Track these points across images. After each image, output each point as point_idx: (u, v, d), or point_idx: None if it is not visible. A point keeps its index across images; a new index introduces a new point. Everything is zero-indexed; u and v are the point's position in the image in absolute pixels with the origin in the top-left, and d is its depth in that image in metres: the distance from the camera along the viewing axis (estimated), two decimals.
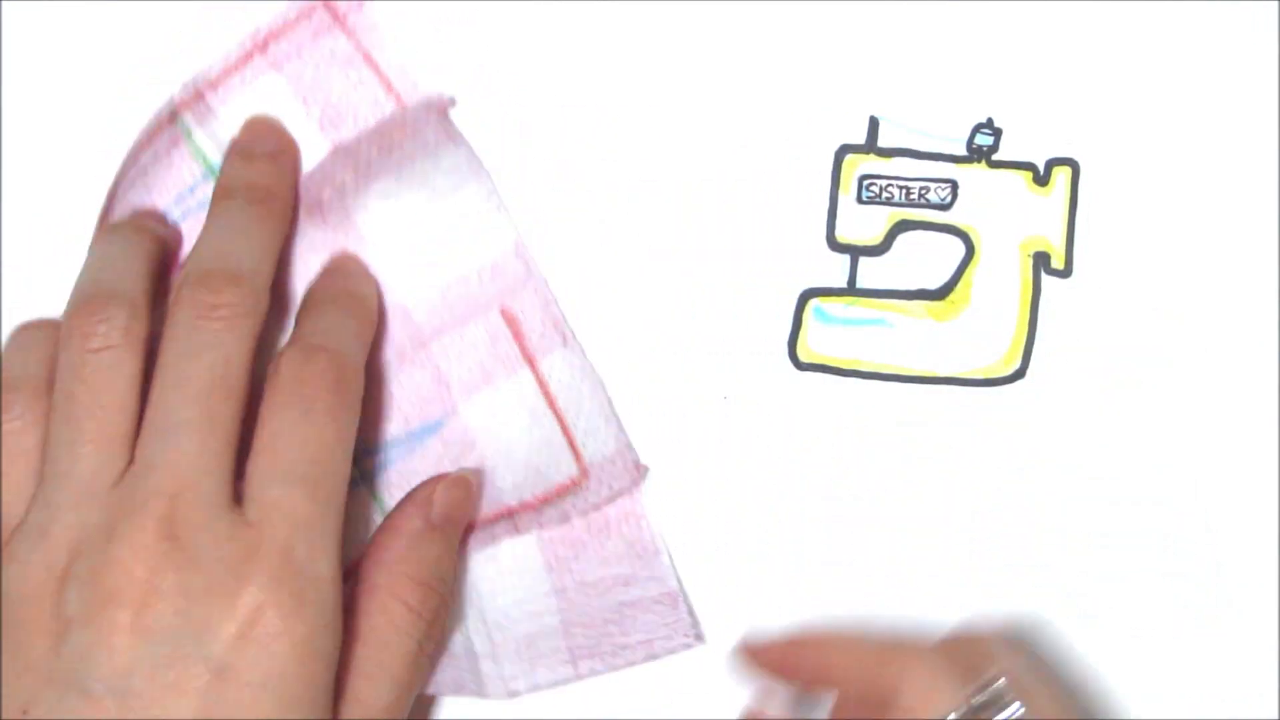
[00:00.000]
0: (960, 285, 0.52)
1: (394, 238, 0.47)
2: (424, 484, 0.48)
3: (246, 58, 0.48)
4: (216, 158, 0.48)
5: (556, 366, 0.48)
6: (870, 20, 0.51)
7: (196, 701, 0.40)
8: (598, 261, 0.51)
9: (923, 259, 0.52)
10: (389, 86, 0.48)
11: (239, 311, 0.43)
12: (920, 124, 0.52)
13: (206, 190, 0.48)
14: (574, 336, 0.48)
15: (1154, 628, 0.51)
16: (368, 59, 0.48)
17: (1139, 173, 0.52)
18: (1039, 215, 0.52)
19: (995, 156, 0.52)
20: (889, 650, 0.45)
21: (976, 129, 0.52)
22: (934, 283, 0.52)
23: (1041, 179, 0.52)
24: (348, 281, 0.48)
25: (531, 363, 0.48)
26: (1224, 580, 0.51)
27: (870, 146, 0.52)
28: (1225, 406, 0.52)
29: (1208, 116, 0.51)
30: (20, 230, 0.51)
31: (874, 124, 0.52)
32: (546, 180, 0.51)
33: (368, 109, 0.48)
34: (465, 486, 0.48)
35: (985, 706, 0.43)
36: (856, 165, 0.52)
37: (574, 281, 0.51)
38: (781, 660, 0.47)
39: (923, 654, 0.44)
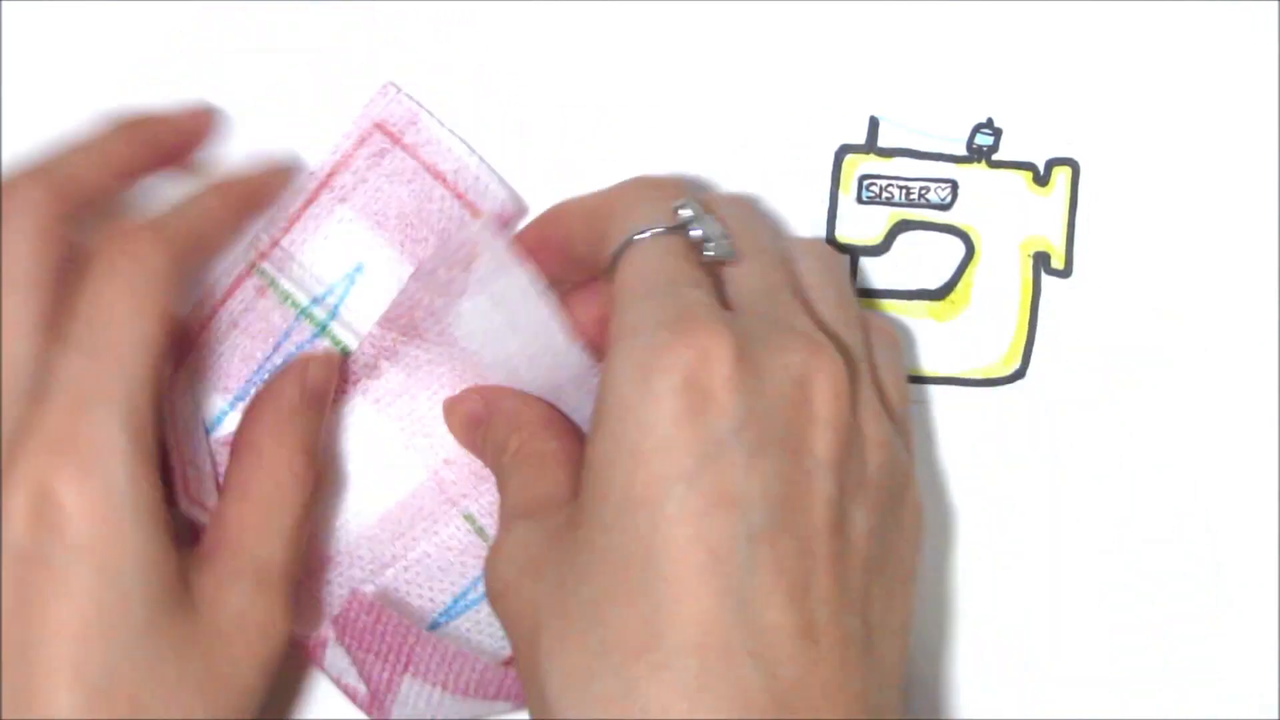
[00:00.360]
0: (960, 285, 0.52)
1: (492, 349, 0.47)
2: (296, 360, 0.47)
3: (312, 198, 0.48)
4: (305, 299, 0.49)
5: None
6: (870, 20, 0.51)
7: (13, 592, 0.39)
8: None
9: (923, 259, 0.52)
10: (458, 194, 0.48)
11: (30, 200, 0.42)
12: (920, 124, 0.52)
13: (301, 333, 0.49)
14: None
15: (1154, 628, 0.51)
16: (431, 171, 0.48)
17: (1139, 173, 0.52)
18: (1039, 215, 0.52)
19: (995, 156, 0.52)
20: (604, 194, 0.46)
21: (976, 129, 0.52)
22: (934, 283, 0.52)
23: (1041, 179, 0.52)
24: (241, 172, 0.48)
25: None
26: (1224, 580, 0.51)
27: (870, 146, 0.52)
28: (1225, 406, 0.52)
29: (1208, 116, 0.51)
30: None
31: (874, 124, 0.52)
32: (546, 180, 0.51)
33: (441, 220, 0.48)
34: (334, 365, 0.48)
35: (689, 222, 0.43)
36: (856, 165, 0.52)
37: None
38: (537, 240, 0.47)
39: (632, 184, 0.46)
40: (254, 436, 0.46)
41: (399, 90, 0.48)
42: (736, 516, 0.38)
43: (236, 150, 0.51)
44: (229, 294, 0.48)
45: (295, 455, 0.45)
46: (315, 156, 0.50)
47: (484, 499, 0.48)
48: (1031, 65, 0.51)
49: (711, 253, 0.43)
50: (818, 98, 0.51)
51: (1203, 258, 0.52)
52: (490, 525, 0.48)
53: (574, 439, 0.46)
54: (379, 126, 0.48)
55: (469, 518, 0.48)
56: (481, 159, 0.48)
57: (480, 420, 0.47)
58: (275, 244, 0.48)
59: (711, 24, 0.51)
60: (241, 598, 0.43)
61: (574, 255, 0.46)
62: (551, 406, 0.47)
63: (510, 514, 0.44)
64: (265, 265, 0.48)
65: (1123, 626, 0.51)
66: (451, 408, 0.48)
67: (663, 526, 0.38)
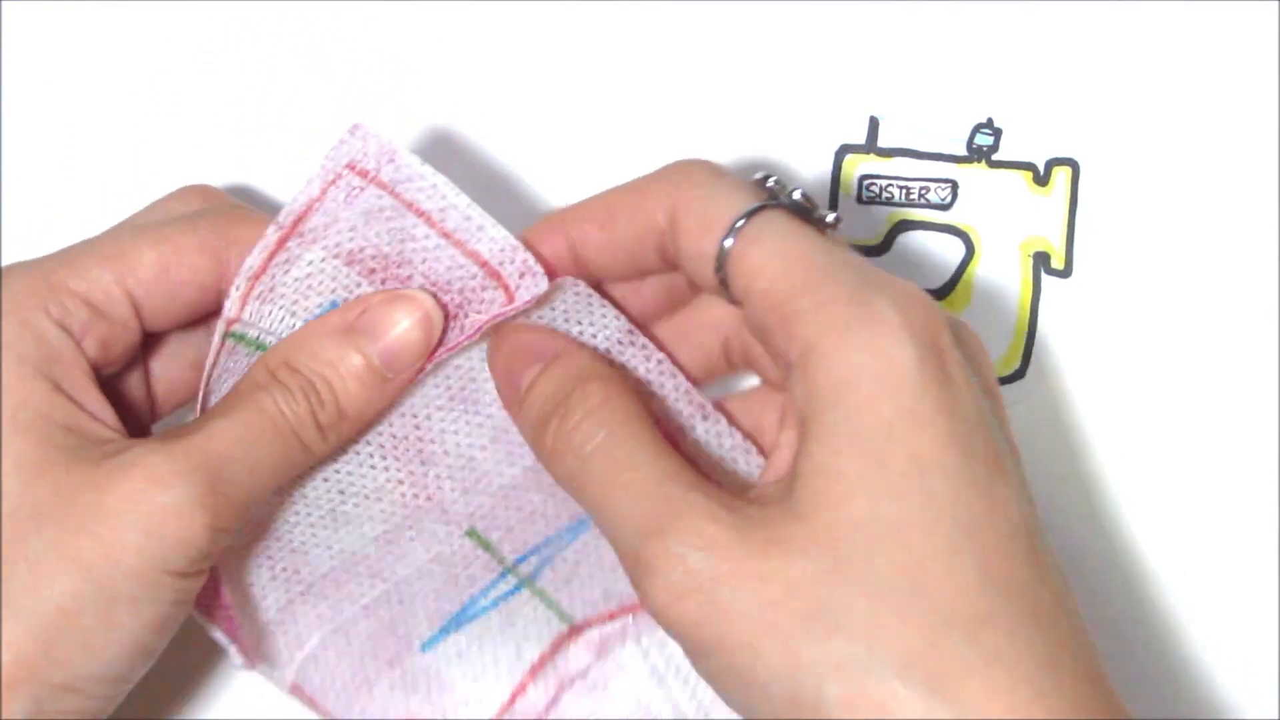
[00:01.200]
0: (960, 285, 0.52)
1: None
2: (372, 295, 0.44)
3: (277, 247, 0.44)
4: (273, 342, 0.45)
5: (707, 440, 0.44)
6: (870, 20, 0.51)
7: None
8: None
9: (923, 259, 0.52)
10: (445, 233, 0.43)
11: None
12: (920, 124, 0.52)
13: None
14: (712, 408, 0.44)
15: (1154, 627, 0.51)
16: (413, 209, 0.43)
17: (1139, 173, 0.52)
18: (1039, 215, 0.52)
19: (995, 156, 0.52)
20: (651, 184, 0.42)
21: (976, 129, 0.52)
22: (934, 283, 0.52)
23: (1041, 179, 0.52)
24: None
25: (674, 442, 0.43)
26: (1224, 580, 0.51)
27: (870, 146, 0.52)
28: (1225, 406, 0.52)
29: (1208, 116, 0.51)
30: (20, 230, 0.51)
31: (874, 124, 0.52)
32: (546, 181, 0.51)
33: (427, 259, 0.43)
34: (405, 304, 0.43)
35: (776, 193, 0.41)
36: (856, 165, 0.52)
37: None
38: (568, 238, 0.43)
39: (679, 169, 0.42)
40: (287, 359, 0.42)
41: (368, 130, 0.43)
42: (1009, 482, 0.38)
43: (236, 151, 0.51)
44: (211, 369, 0.45)
45: (281, 368, 0.42)
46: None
47: (488, 511, 0.46)
48: (1031, 65, 0.51)
49: (830, 221, 0.41)
50: (818, 98, 0.51)
51: (1203, 258, 0.52)
52: (500, 538, 0.46)
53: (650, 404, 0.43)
54: (350, 167, 0.43)
55: (472, 533, 0.46)
56: (470, 200, 0.43)
57: (544, 355, 0.42)
58: (244, 303, 0.44)
59: (712, 24, 0.51)
60: (172, 492, 0.40)
61: (622, 251, 0.43)
62: (618, 365, 0.43)
63: (668, 484, 0.39)
64: (236, 328, 0.44)
65: (1122, 626, 0.51)
66: (506, 335, 0.43)
67: (964, 493, 0.37)
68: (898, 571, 0.36)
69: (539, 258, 0.43)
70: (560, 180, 0.51)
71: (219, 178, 0.51)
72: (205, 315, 0.45)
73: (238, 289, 0.44)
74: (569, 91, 0.51)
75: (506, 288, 0.43)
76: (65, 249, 0.43)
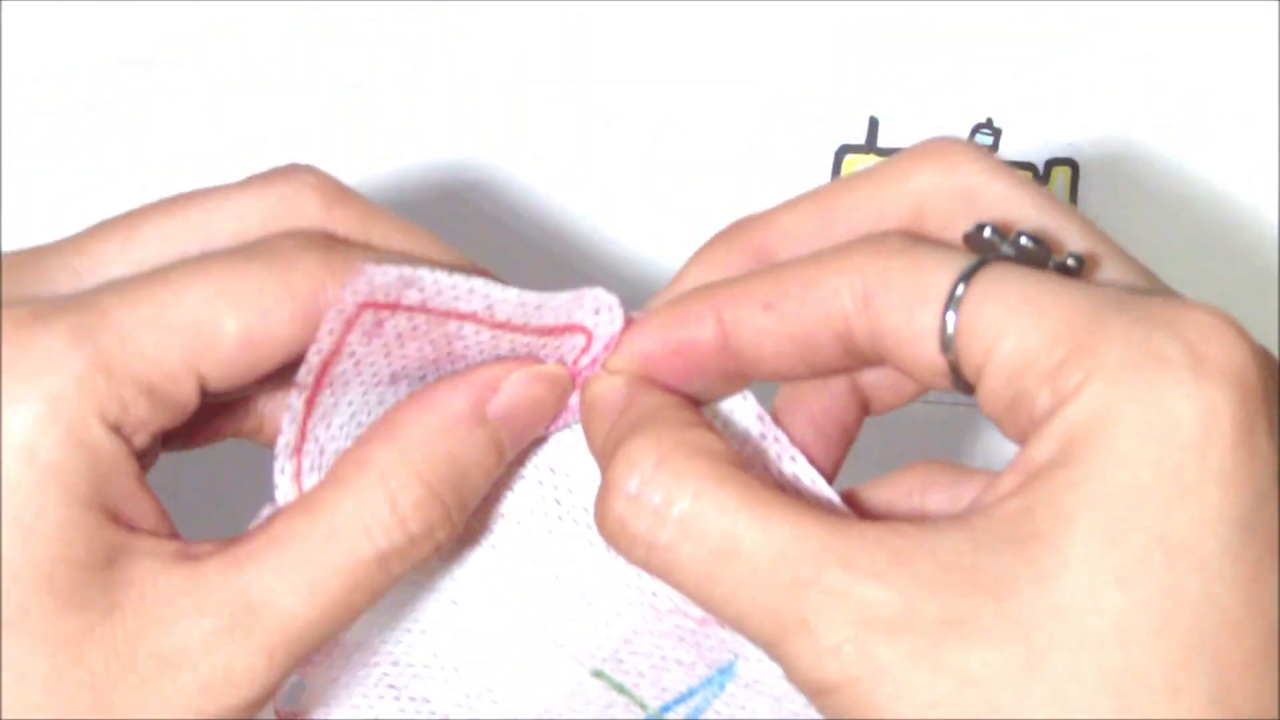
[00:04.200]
0: None
1: None
2: (495, 365, 0.37)
3: (310, 407, 0.37)
4: None
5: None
6: (870, 20, 0.51)
7: None
8: (598, 263, 0.51)
9: None
10: (497, 324, 0.37)
11: None
12: (920, 124, 0.52)
13: None
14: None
15: None
16: (453, 315, 0.37)
17: (1138, 173, 0.52)
18: None
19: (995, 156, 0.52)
20: (827, 267, 0.33)
21: (976, 129, 0.52)
22: None
23: (1041, 179, 0.52)
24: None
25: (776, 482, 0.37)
26: None
27: (870, 146, 0.52)
28: None
29: (1207, 117, 0.51)
30: (20, 230, 0.51)
31: (874, 124, 0.52)
32: (545, 182, 0.51)
33: (480, 350, 0.38)
34: (549, 383, 0.36)
35: (995, 243, 0.33)
36: (856, 165, 0.52)
37: (575, 284, 0.50)
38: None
39: (875, 247, 0.33)
40: (374, 438, 0.35)
41: (373, 269, 0.36)
42: (1276, 575, 0.30)
43: (237, 151, 0.51)
44: None
45: (410, 483, 0.35)
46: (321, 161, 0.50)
47: (610, 654, 0.40)
48: (1031, 65, 0.51)
49: (1074, 266, 0.33)
50: (818, 98, 0.51)
51: (1202, 258, 0.52)
52: (635, 683, 0.40)
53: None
54: (365, 306, 0.36)
55: (600, 675, 0.40)
56: (520, 290, 0.36)
57: (614, 409, 0.35)
58: (297, 483, 0.38)
59: (712, 24, 0.51)
60: (220, 634, 0.33)
61: (793, 339, 0.34)
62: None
63: (796, 564, 0.31)
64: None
65: None
66: (585, 389, 0.37)
67: (1217, 588, 0.29)
68: (1106, 682, 0.29)
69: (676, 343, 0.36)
70: (559, 182, 0.51)
71: (218, 178, 0.51)
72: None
73: (283, 472, 0.37)
74: (568, 91, 0.51)
75: (583, 329, 0.38)
76: (125, 288, 0.34)
